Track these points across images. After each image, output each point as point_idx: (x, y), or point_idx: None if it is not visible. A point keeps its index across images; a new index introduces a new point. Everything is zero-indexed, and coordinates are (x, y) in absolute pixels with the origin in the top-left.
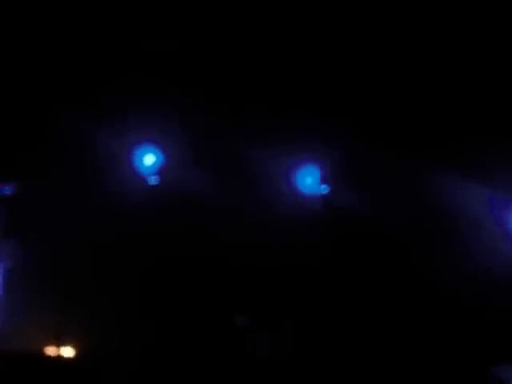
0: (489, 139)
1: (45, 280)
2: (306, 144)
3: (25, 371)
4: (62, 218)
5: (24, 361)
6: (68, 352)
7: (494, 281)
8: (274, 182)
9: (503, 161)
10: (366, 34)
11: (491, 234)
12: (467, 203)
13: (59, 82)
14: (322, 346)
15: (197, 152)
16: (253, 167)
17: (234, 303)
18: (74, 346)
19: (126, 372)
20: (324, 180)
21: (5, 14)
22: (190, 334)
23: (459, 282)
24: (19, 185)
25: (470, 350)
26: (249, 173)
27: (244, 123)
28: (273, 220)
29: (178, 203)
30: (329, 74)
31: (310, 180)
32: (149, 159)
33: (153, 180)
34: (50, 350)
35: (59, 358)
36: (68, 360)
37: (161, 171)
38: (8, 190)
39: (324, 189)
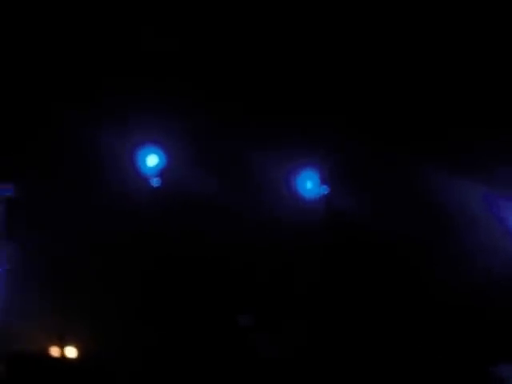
0: (488, 138)
1: (47, 281)
2: (306, 148)
3: (29, 372)
4: (63, 218)
5: (28, 361)
6: (71, 352)
7: (493, 280)
8: (274, 185)
9: (502, 160)
10: (361, 38)
11: (491, 233)
12: (466, 202)
13: (61, 83)
14: (324, 346)
15: (199, 154)
16: (254, 170)
17: (237, 304)
18: (78, 347)
19: (129, 372)
20: (324, 182)
21: (5, 15)
22: (193, 334)
23: (459, 281)
24: (20, 185)
25: (470, 350)
26: (250, 175)
27: (245, 126)
28: (274, 221)
29: (179, 204)
30: (328, 76)
31: (310, 184)
32: (152, 160)
33: (155, 182)
34: (54, 351)
35: (63, 358)
36: (71, 360)
37: (163, 172)
38: (8, 190)
39: (324, 189)
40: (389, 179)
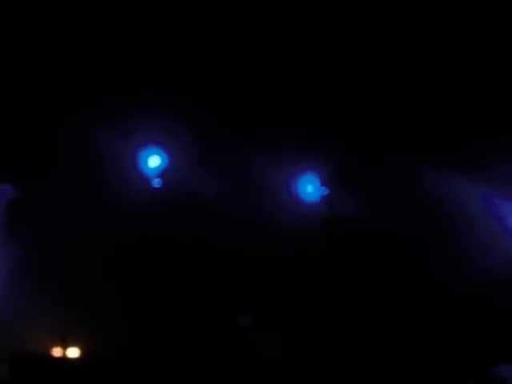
0: (487, 138)
1: (49, 281)
2: (307, 151)
3: (31, 372)
4: (64, 219)
5: (30, 362)
6: (74, 353)
7: (494, 280)
8: (275, 186)
9: (501, 160)
10: (360, 41)
11: (491, 233)
12: (466, 202)
13: (62, 83)
14: (324, 346)
15: (200, 155)
16: (255, 171)
17: (237, 304)
18: (80, 347)
19: (131, 372)
20: (324, 185)
21: (6, 15)
22: (194, 334)
23: (459, 281)
24: (21, 186)
25: (471, 350)
26: (251, 176)
27: (247, 128)
28: (274, 222)
29: (180, 205)
30: (328, 79)
31: (310, 188)
32: (153, 161)
33: (156, 183)
34: (56, 351)
35: (65, 358)
36: (74, 361)
37: (165, 173)
38: (8, 190)
39: (324, 193)
40: (388, 180)
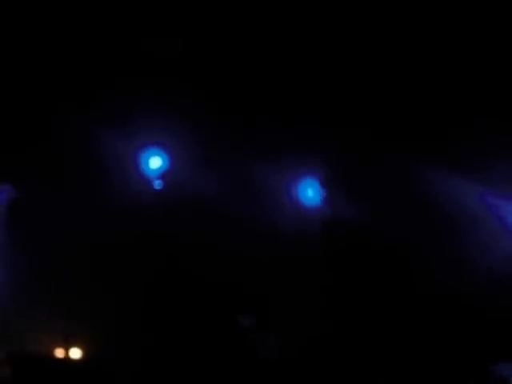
0: (486, 138)
1: (51, 282)
2: (307, 155)
3: (34, 373)
4: (65, 220)
5: (33, 362)
6: (76, 354)
7: (494, 279)
8: (275, 189)
9: (502, 159)
10: (358, 45)
11: (491, 233)
12: (466, 202)
13: (63, 84)
14: (324, 347)
15: (201, 158)
16: (256, 174)
17: (238, 304)
18: (82, 348)
19: (133, 373)
20: (324, 189)
21: (6, 17)
22: (195, 335)
23: (459, 280)
24: (21, 187)
25: (471, 349)
26: (252, 178)
27: (248, 130)
28: (275, 222)
29: (181, 207)
30: (328, 82)
31: (311, 192)
32: (155, 163)
33: (157, 184)
34: (59, 352)
35: (67, 359)
36: (76, 362)
37: (166, 175)
38: (7, 191)
39: (324, 194)
40: (388, 181)
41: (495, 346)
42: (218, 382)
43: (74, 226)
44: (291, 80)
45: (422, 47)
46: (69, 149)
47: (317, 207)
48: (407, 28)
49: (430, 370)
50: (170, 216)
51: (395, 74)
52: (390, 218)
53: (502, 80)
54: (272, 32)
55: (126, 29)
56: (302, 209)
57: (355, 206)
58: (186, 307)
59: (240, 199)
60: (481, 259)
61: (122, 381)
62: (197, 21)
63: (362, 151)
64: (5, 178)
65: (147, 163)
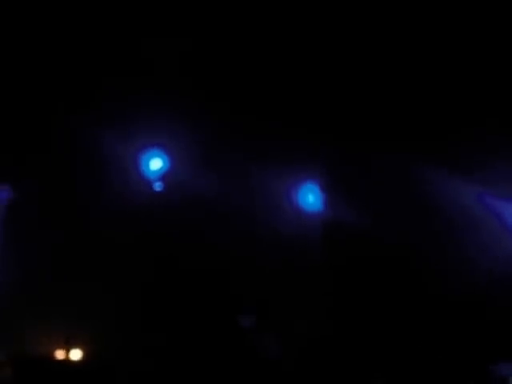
0: (486, 138)
1: (50, 283)
2: (307, 160)
3: (34, 374)
4: (65, 221)
5: (34, 364)
6: (77, 355)
7: (493, 279)
8: (276, 195)
9: (501, 160)
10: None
11: (491, 233)
12: (466, 203)
13: (63, 86)
14: (325, 348)
15: (202, 159)
16: (256, 177)
17: (238, 305)
18: (83, 349)
19: (134, 374)
20: (324, 194)
21: (7, 17)
22: (197, 336)
23: (459, 280)
24: (19, 187)
25: (471, 348)
26: (253, 182)
27: (249, 132)
28: (275, 225)
29: (181, 209)
30: (328, 86)
31: (311, 197)
32: (155, 164)
33: (158, 186)
34: (60, 353)
35: (68, 361)
36: (77, 363)
37: (166, 176)
38: (6, 192)
39: (324, 198)
40: (388, 182)
41: (495, 345)
42: (219, 383)
43: (75, 226)
44: (292, 84)
45: (422, 48)
46: (69, 150)
47: (317, 212)
48: (406, 27)
49: (430, 369)
50: (170, 217)
51: (395, 77)
52: (391, 220)
53: (501, 80)
54: (274, 34)
55: (126, 30)
56: (302, 213)
57: (356, 210)
58: (186, 308)
59: (240, 201)
60: (481, 259)
61: (122, 382)
62: (198, 23)
63: (363, 155)
64: (4, 178)
65: (147, 164)
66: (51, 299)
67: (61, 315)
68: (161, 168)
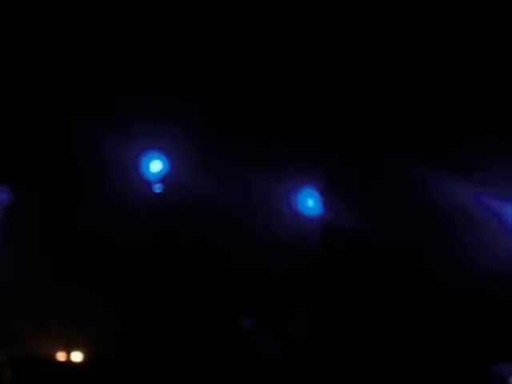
0: (486, 139)
1: (50, 285)
2: (306, 165)
3: (36, 376)
4: (65, 223)
5: (35, 366)
6: (78, 357)
7: (493, 279)
8: (275, 197)
9: (502, 160)
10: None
11: (491, 234)
12: (465, 203)
13: (63, 88)
14: (325, 349)
15: (202, 161)
16: (255, 179)
17: (239, 306)
18: (84, 351)
19: (135, 376)
20: (323, 198)
21: (8, 20)
22: (197, 338)
23: (458, 280)
24: (19, 188)
25: (470, 348)
26: (251, 184)
27: (248, 135)
28: (274, 226)
29: (181, 211)
30: (328, 90)
31: (311, 202)
32: (155, 166)
33: (158, 188)
34: (60, 355)
35: (69, 363)
36: (78, 365)
37: (166, 179)
38: (5, 192)
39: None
40: (387, 184)
41: (494, 345)
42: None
43: (74, 228)
44: (291, 89)
45: (421, 49)
46: (69, 151)
47: (317, 215)
48: (405, 27)
49: (430, 369)
50: (170, 219)
51: (394, 80)
52: (390, 222)
53: (501, 80)
54: (274, 38)
55: (127, 31)
56: (301, 216)
57: (355, 212)
58: (186, 310)
59: (240, 201)
60: (480, 259)
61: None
62: (198, 26)
63: (361, 158)
64: (3, 179)
65: (147, 167)
66: (51, 300)
67: (61, 317)
68: (161, 170)
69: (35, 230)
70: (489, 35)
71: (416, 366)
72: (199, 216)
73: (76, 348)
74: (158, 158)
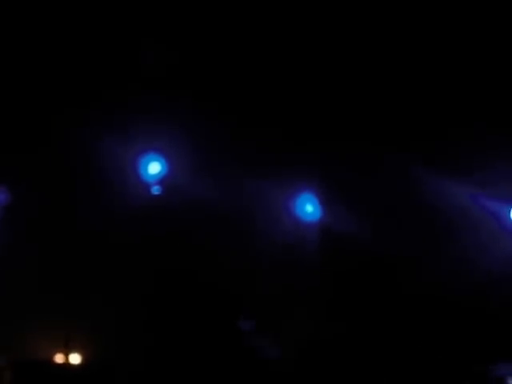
0: (485, 140)
1: (49, 287)
2: (304, 171)
3: (34, 378)
4: (63, 224)
5: (33, 368)
6: (76, 359)
7: (492, 280)
8: (273, 204)
9: (502, 160)
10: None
11: (490, 234)
12: (465, 204)
13: (62, 90)
14: (324, 352)
15: (200, 163)
16: (254, 181)
17: (237, 309)
18: (82, 353)
19: (133, 378)
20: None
21: (8, 22)
22: (196, 340)
23: (459, 281)
24: (17, 189)
25: (468, 348)
26: (250, 185)
27: (247, 136)
28: (272, 227)
29: (179, 213)
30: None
31: (310, 208)
32: (153, 168)
33: (156, 190)
34: (59, 358)
35: (68, 365)
36: (76, 367)
37: (164, 180)
38: (3, 193)
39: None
40: (385, 187)
41: (492, 345)
42: None
43: (73, 229)
44: (291, 93)
45: (419, 49)
46: (67, 153)
47: (315, 221)
48: (404, 27)
49: (428, 369)
50: (169, 221)
51: (393, 82)
52: (389, 224)
53: (501, 80)
54: (272, 43)
55: (127, 34)
56: (300, 222)
57: (354, 216)
58: (185, 312)
59: (238, 206)
60: (479, 260)
61: None
62: (198, 28)
63: (360, 161)
64: (1, 180)
65: (146, 168)
66: (50, 303)
67: (60, 319)
68: (159, 172)
69: (33, 230)
70: (488, 35)
71: (414, 366)
72: (197, 218)
73: (74, 350)
74: (157, 160)
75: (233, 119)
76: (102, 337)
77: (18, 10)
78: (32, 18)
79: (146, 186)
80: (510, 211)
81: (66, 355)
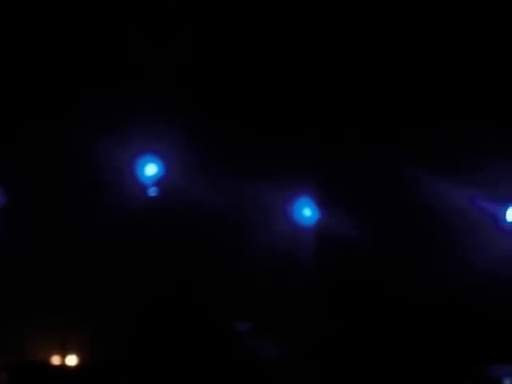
0: (485, 140)
1: (46, 288)
2: (302, 175)
3: (31, 380)
4: (62, 225)
5: (30, 370)
6: (73, 361)
7: (490, 281)
8: (270, 208)
9: (501, 160)
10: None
11: (489, 234)
12: (464, 205)
13: (60, 91)
14: (324, 353)
15: (197, 165)
16: (251, 182)
17: (234, 311)
18: (79, 355)
19: (130, 379)
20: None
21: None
22: (193, 342)
23: (456, 282)
24: (13, 193)
25: (466, 349)
26: (247, 187)
27: (245, 138)
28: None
29: (176, 214)
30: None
31: (307, 212)
32: (150, 170)
33: (153, 191)
34: (56, 359)
35: (64, 366)
36: (73, 369)
37: (161, 182)
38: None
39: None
40: (384, 187)
41: (490, 346)
42: None
43: (69, 231)
44: (288, 95)
45: (418, 50)
46: (64, 154)
47: (312, 225)
48: (402, 27)
49: (426, 370)
50: (165, 223)
51: (392, 82)
52: (388, 225)
53: (501, 80)
54: (271, 44)
55: (125, 35)
56: (297, 225)
57: (352, 219)
58: (183, 314)
59: (236, 205)
60: (478, 261)
61: None
62: (197, 30)
63: (358, 165)
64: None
65: (143, 170)
66: (47, 304)
67: (56, 320)
68: (156, 173)
69: (30, 232)
70: (488, 35)
71: (413, 366)
72: (194, 220)
73: (71, 351)
74: (154, 162)
75: (230, 122)
76: (98, 339)
77: (18, 10)
78: (32, 18)
79: (143, 188)
80: (508, 212)
81: (63, 357)
